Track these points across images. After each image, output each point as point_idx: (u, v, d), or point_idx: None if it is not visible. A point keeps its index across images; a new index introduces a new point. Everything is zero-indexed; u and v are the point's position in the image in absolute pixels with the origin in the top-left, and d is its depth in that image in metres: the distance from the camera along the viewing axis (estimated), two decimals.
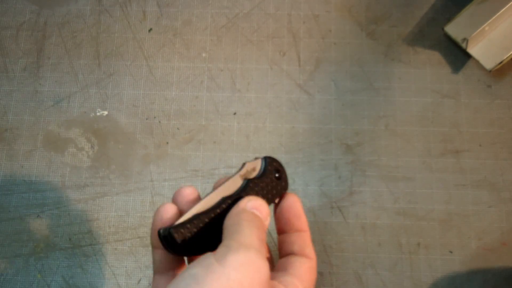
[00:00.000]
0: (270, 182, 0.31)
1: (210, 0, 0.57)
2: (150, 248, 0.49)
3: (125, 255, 0.49)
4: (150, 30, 0.56)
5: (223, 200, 0.29)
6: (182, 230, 0.26)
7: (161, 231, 0.27)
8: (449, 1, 0.55)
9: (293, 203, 0.31)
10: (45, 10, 0.57)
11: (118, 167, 0.52)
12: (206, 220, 0.27)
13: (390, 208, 0.50)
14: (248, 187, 0.30)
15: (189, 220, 0.27)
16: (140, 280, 0.49)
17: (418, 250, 0.49)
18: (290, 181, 0.50)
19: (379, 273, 0.48)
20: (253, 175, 0.31)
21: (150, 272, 0.49)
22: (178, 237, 0.26)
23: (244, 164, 0.31)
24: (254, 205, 0.28)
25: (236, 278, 0.23)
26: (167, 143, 0.52)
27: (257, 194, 0.30)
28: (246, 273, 0.23)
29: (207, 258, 0.24)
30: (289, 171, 0.51)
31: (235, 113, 0.53)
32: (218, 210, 0.28)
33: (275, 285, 0.26)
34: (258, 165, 0.31)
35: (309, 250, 0.29)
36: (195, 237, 0.27)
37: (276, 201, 0.31)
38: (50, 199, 0.51)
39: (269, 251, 0.32)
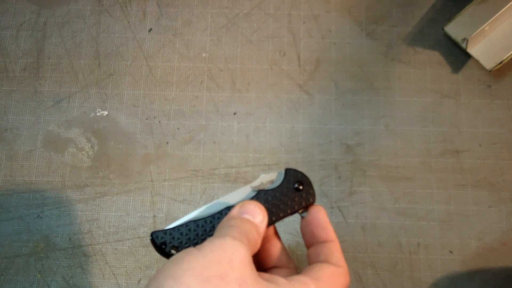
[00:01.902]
0: (286, 192, 0.30)
1: (210, 0, 0.57)
2: (150, 248, 0.49)
3: (125, 255, 0.49)
4: (150, 30, 0.56)
5: (226, 208, 0.29)
6: (162, 235, 0.28)
7: (150, 233, 0.29)
8: (449, 1, 0.55)
9: (317, 213, 0.30)
10: (45, 10, 0.57)
11: (118, 167, 0.52)
12: (195, 226, 0.28)
13: (390, 208, 0.50)
14: (257, 197, 0.30)
15: (176, 226, 0.28)
16: (140, 280, 0.49)
17: (418, 250, 0.49)
18: None
19: (379, 273, 0.48)
20: (269, 187, 0.30)
21: (150, 272, 0.49)
22: (157, 241, 0.28)
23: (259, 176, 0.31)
24: (246, 209, 0.27)
25: (213, 257, 0.23)
26: (167, 143, 0.52)
27: (266, 204, 0.29)
28: (223, 253, 0.23)
29: (188, 248, 0.24)
30: None
31: (235, 113, 0.53)
32: (212, 218, 0.29)
33: (271, 277, 0.25)
34: (275, 177, 0.31)
35: (337, 258, 0.28)
36: (178, 242, 0.28)
37: (302, 213, 0.31)
38: (50, 199, 0.51)
39: (296, 266, 0.31)
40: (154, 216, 0.50)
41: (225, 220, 0.27)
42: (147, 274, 0.49)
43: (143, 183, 0.51)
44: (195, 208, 0.50)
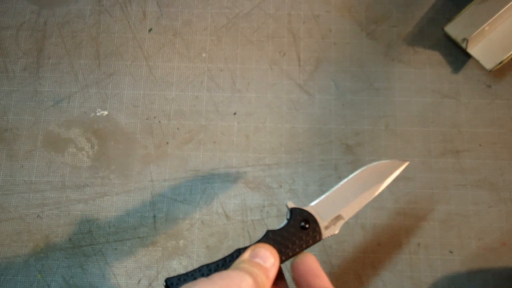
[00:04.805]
0: (294, 232, 0.31)
1: (210, 0, 0.57)
2: (149, 248, 0.49)
3: (125, 255, 0.49)
4: (150, 30, 0.56)
5: (236, 251, 0.30)
6: (177, 281, 0.29)
7: (165, 280, 0.30)
8: (449, 1, 0.55)
9: (310, 262, 0.30)
10: (45, 10, 0.57)
11: (118, 167, 0.52)
12: (207, 271, 0.30)
13: (390, 208, 0.50)
14: (266, 237, 0.31)
15: (189, 272, 0.29)
16: (140, 280, 0.49)
17: (418, 250, 0.49)
18: (289, 181, 0.50)
19: (379, 273, 0.48)
20: (276, 227, 0.32)
21: (150, 272, 0.49)
22: (171, 287, 0.29)
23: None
24: (257, 253, 0.28)
25: (223, 283, 0.24)
26: (167, 143, 0.52)
27: (275, 244, 0.30)
28: (232, 281, 0.24)
29: (199, 278, 0.26)
30: (289, 171, 0.51)
31: (235, 113, 0.53)
32: (223, 261, 0.30)
33: None
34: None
35: None
36: None
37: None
38: (50, 199, 0.51)
39: None
40: (154, 216, 0.50)
41: (236, 263, 0.28)
42: (147, 274, 0.49)
43: (143, 183, 0.51)
44: (195, 208, 0.50)
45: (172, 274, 0.49)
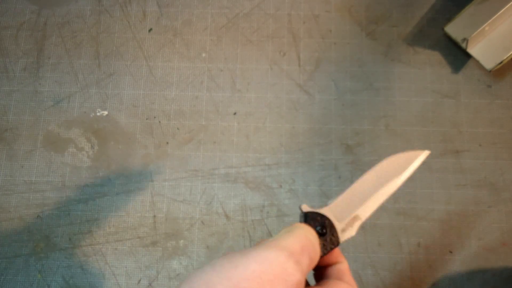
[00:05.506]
0: None
1: (210, 0, 0.57)
2: (149, 248, 0.49)
3: (125, 255, 0.49)
4: (150, 30, 0.56)
5: None
6: None
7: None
8: (449, 1, 0.55)
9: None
10: (45, 10, 0.57)
11: (118, 167, 0.52)
12: None
13: (390, 208, 0.50)
14: None
15: None
16: (140, 280, 0.49)
17: (418, 250, 0.49)
18: (289, 181, 0.50)
19: (379, 273, 0.48)
20: None
21: (150, 272, 0.49)
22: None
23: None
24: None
25: (256, 270, 0.21)
26: (167, 143, 0.52)
27: None
28: (269, 269, 0.21)
29: (232, 252, 0.22)
30: (289, 171, 0.51)
31: (235, 113, 0.53)
32: None
33: None
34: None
35: (348, 279, 0.27)
36: None
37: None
38: (50, 199, 0.51)
39: None
40: (154, 216, 0.50)
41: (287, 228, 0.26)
42: (147, 274, 0.49)
43: (143, 183, 0.51)
44: (195, 207, 0.50)
45: (172, 274, 0.49)
